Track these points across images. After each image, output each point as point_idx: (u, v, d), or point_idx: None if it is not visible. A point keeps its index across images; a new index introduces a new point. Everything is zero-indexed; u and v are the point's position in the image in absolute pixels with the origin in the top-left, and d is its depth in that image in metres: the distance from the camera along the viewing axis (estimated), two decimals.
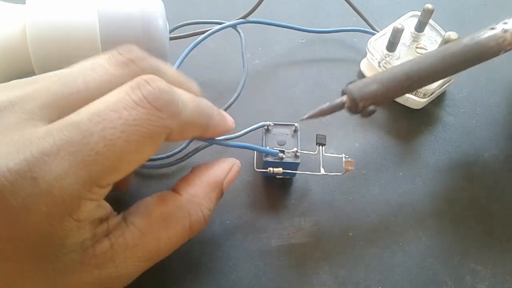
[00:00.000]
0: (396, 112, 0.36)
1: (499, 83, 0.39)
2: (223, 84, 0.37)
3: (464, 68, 0.29)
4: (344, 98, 0.27)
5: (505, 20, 0.29)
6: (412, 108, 0.36)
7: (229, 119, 0.26)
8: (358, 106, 0.26)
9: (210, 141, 0.27)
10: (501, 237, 0.31)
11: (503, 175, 0.34)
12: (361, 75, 0.39)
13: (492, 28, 0.28)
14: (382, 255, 0.30)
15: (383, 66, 0.36)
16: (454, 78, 0.36)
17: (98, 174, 0.18)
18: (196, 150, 0.31)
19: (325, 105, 0.27)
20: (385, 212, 0.31)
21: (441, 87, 0.36)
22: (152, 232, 0.21)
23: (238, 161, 0.27)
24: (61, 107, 0.19)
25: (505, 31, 0.28)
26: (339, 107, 0.27)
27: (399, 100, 0.36)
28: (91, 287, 0.20)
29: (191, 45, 0.34)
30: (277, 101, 0.36)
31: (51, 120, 0.19)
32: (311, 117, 0.27)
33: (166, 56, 0.32)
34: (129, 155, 0.19)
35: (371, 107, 0.27)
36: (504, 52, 0.29)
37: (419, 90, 0.35)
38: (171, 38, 0.35)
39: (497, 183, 0.33)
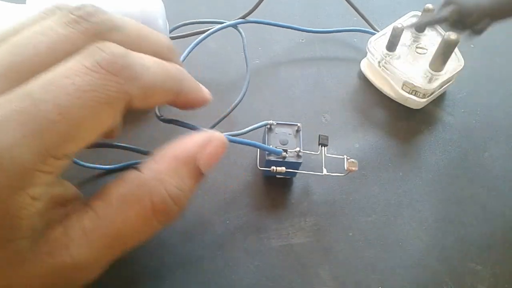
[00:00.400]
0: (396, 112, 0.36)
1: (499, 83, 0.39)
2: (224, 84, 0.37)
3: None
4: (449, 9, 0.22)
5: None
6: (412, 108, 0.36)
7: (204, 89, 0.24)
8: (470, 20, 0.22)
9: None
10: (501, 237, 0.31)
11: (503, 175, 0.34)
12: (361, 75, 0.39)
13: None
14: (382, 255, 0.30)
15: (383, 66, 0.36)
16: (454, 78, 0.36)
17: (53, 143, 0.17)
18: None
19: (426, 18, 0.24)
20: (385, 212, 0.31)
21: (441, 87, 0.36)
22: (109, 214, 0.20)
23: (219, 135, 0.23)
24: (14, 77, 0.18)
25: None
26: (442, 20, 0.23)
27: (399, 100, 0.37)
28: (46, 280, 0.18)
29: (192, 44, 0.34)
30: (277, 100, 0.37)
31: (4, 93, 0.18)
32: (410, 26, 0.25)
33: None
34: (85, 122, 0.18)
35: (485, 22, 0.22)
36: None
37: (418, 90, 0.35)
38: (171, 38, 0.35)
39: (497, 183, 0.33)
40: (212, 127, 0.32)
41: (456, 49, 0.36)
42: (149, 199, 0.20)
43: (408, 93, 0.36)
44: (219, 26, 0.35)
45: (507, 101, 0.38)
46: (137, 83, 0.19)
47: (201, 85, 0.25)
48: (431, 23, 0.24)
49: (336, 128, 0.35)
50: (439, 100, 0.37)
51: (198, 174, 0.22)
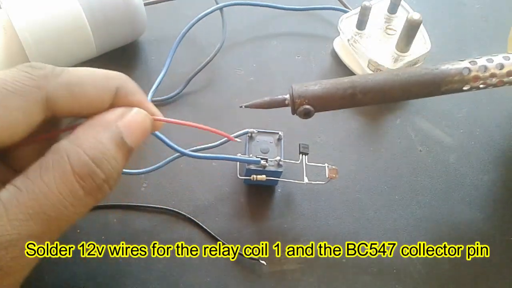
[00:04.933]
0: (393, 130, 0.36)
1: (499, 102, 0.38)
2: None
3: (418, 92, 0.26)
4: (287, 95, 0.27)
5: (477, 57, 0.27)
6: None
7: (152, 106, 0.24)
8: (295, 104, 0.26)
9: (182, 152, 0.26)
10: (500, 264, 0.30)
11: (502, 199, 0.33)
12: (333, 53, 0.39)
13: (461, 60, 0.27)
14: (375, 283, 0.29)
15: (352, 44, 0.37)
16: (421, 60, 0.37)
17: None
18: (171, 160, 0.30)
19: (267, 98, 0.27)
20: (380, 237, 0.31)
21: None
22: (28, 184, 0.19)
23: (140, 110, 0.22)
24: None
25: (473, 63, 0.26)
26: (280, 103, 0.27)
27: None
28: None
29: (180, 34, 0.36)
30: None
31: None
32: (250, 106, 0.27)
33: (144, 23, 0.36)
34: None
35: (306, 107, 0.26)
36: (471, 89, 0.26)
37: (382, 69, 0.35)
38: (146, 4, 0.37)
39: (496, 207, 0.32)
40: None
41: (424, 32, 0.37)
42: (68, 164, 0.19)
43: (373, 71, 0.36)
44: (203, 12, 0.37)
45: (508, 123, 0.37)
46: (55, 80, 0.20)
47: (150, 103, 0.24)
48: (271, 104, 0.27)
49: (331, 148, 0.34)
50: (437, 120, 0.36)
51: (122, 144, 0.21)
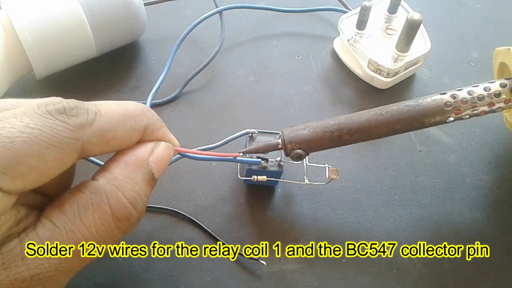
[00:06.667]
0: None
1: None
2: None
3: (402, 128, 0.27)
4: (279, 140, 0.28)
5: (458, 88, 0.28)
6: (379, 88, 0.37)
7: (172, 136, 0.25)
8: (286, 149, 0.27)
9: (182, 154, 0.26)
10: (500, 264, 0.30)
11: (502, 199, 0.33)
12: (334, 54, 0.40)
13: (443, 93, 0.27)
14: (375, 283, 0.29)
15: (352, 44, 0.37)
16: (421, 61, 0.37)
17: None
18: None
19: (262, 144, 0.28)
20: (380, 237, 0.31)
21: (406, 69, 0.36)
22: (66, 222, 0.19)
23: (166, 144, 0.24)
24: None
25: (454, 96, 0.27)
26: (274, 147, 0.28)
27: (365, 78, 0.37)
28: None
29: (180, 38, 0.36)
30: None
31: None
32: (248, 151, 0.28)
33: (144, 23, 0.36)
34: (28, 157, 0.18)
35: (297, 151, 0.27)
36: (455, 120, 0.27)
37: (382, 69, 0.36)
38: (145, 4, 0.37)
39: (496, 207, 0.33)
40: None
41: (424, 32, 0.37)
42: (107, 205, 0.20)
43: (373, 71, 0.36)
44: (203, 16, 0.37)
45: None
46: (89, 130, 0.20)
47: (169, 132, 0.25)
48: (266, 148, 0.28)
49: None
50: None
51: (152, 179, 0.22)
